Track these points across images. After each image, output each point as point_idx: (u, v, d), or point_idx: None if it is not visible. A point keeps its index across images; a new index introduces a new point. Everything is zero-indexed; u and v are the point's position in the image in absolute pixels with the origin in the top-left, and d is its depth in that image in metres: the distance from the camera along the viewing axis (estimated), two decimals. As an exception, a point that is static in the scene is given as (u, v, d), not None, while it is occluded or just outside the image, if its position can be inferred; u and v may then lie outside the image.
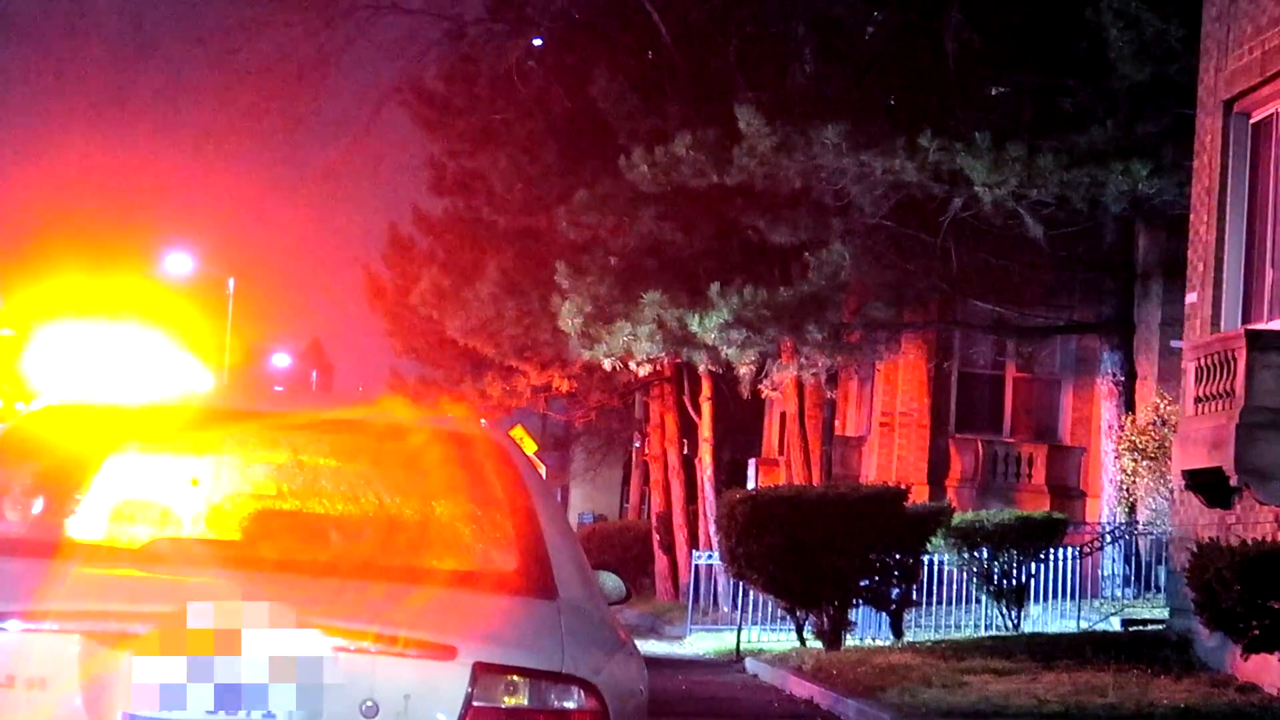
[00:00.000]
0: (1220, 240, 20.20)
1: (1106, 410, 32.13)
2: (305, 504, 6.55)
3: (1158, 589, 27.82)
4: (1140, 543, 29.71)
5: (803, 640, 25.41)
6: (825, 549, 23.90)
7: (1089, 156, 27.26)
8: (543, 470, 37.08)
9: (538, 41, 38.76)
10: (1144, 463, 28.38)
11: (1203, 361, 19.20)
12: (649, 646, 28.78)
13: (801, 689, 20.82)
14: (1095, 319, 33.90)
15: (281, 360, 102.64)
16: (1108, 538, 29.97)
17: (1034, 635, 24.50)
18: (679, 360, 35.92)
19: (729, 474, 42.50)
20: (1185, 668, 19.04)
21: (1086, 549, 28.97)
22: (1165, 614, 22.95)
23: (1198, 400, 19.29)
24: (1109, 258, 33.21)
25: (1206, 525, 19.19)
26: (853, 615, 25.58)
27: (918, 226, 31.43)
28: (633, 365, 33.52)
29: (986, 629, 26.97)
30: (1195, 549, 16.57)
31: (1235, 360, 18.27)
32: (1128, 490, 29.72)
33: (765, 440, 47.09)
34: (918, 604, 26.90)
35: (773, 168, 28.87)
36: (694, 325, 30.71)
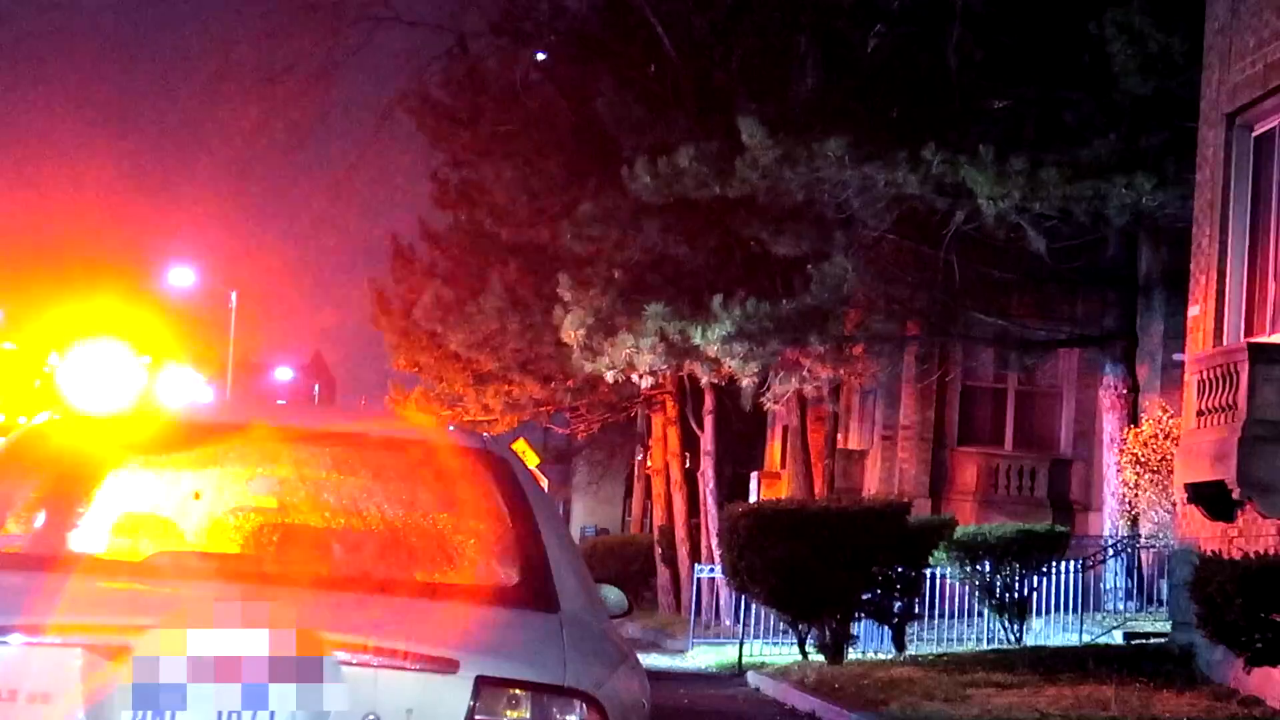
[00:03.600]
0: (1223, 253, 20.20)
1: (1109, 423, 32.11)
2: (307, 517, 6.56)
3: (1160, 602, 27.80)
4: (1142, 556, 29.68)
5: (805, 654, 25.39)
6: (827, 562, 23.88)
7: (1092, 170, 27.25)
8: (545, 484, 37.07)
9: (541, 56, 38.80)
10: (1146, 476, 28.34)
11: (1205, 375, 19.19)
12: (651, 660, 28.77)
13: (804, 703, 20.80)
14: (1097, 332, 33.88)
15: (284, 373, 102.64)
16: (1110, 551, 29.95)
17: (1036, 649, 24.48)
18: (681, 373, 35.93)
19: (731, 487, 42.49)
20: (1188, 681, 19.03)
21: (1089, 562, 28.94)
22: (1168, 627, 22.93)
23: (1200, 413, 19.29)
24: (1111, 271, 33.20)
25: (1209, 538, 19.18)
26: (855, 629, 25.56)
27: (920, 239, 31.43)
28: (635, 378, 33.51)
29: (989, 642, 26.96)
30: (1197, 562, 16.56)
31: (1238, 373, 18.27)
32: (1130, 503, 29.68)
33: (767, 453, 47.09)
34: (920, 617, 26.86)
35: (775, 180, 28.87)
36: (696, 337, 30.70)
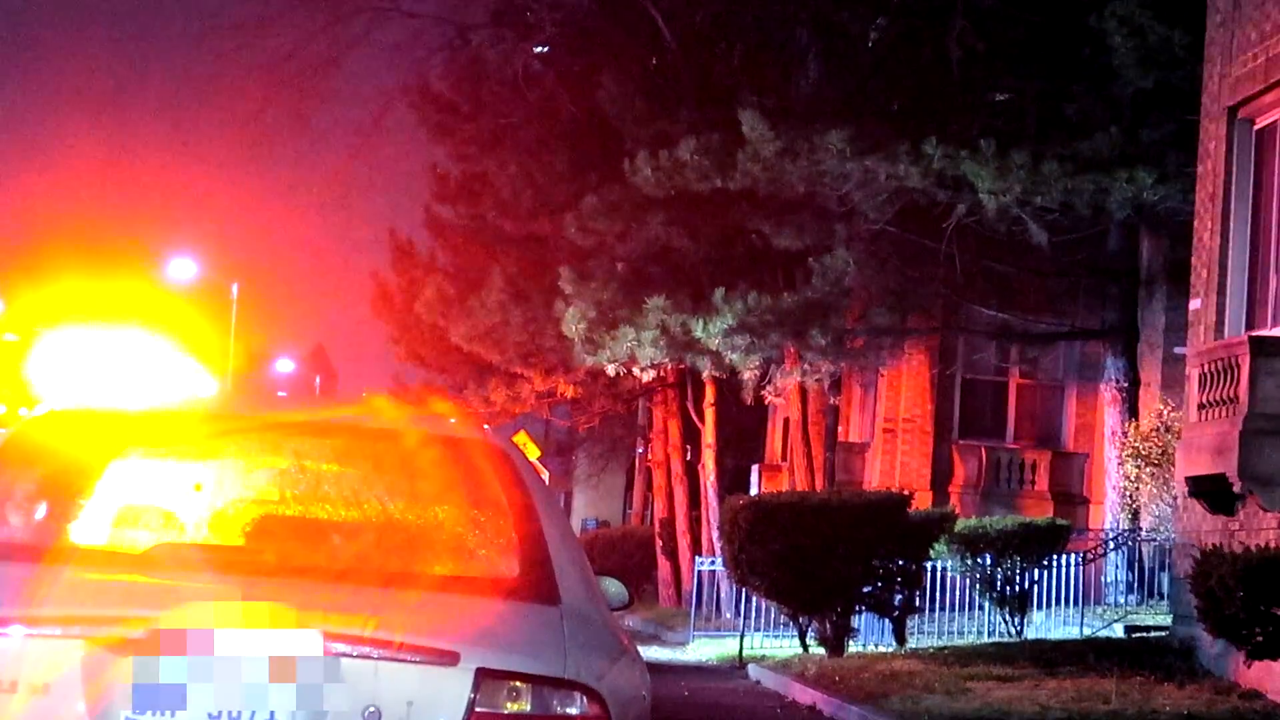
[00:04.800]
0: (1224, 246, 20.18)
1: (1110, 416, 32.11)
2: (308, 509, 6.55)
3: (1161, 596, 27.81)
4: (1143, 549, 29.69)
5: (805, 647, 25.40)
6: (828, 555, 23.88)
7: (1093, 163, 27.24)
8: (546, 476, 37.11)
9: (542, 48, 38.75)
10: (1147, 469, 28.36)
11: (1206, 368, 19.18)
12: (652, 652, 28.77)
13: (804, 695, 20.81)
14: (1099, 325, 33.88)
15: (285, 366, 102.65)
16: (1111, 544, 29.96)
17: (1037, 642, 24.49)
18: (683, 366, 35.92)
19: (732, 480, 42.48)
20: (1188, 675, 19.02)
21: (1090, 555, 28.96)
22: (1168, 621, 22.93)
23: (1201, 407, 19.28)
24: (1113, 264, 33.20)
25: (1210, 532, 19.17)
26: (855, 622, 25.56)
27: (921, 232, 31.42)
28: (636, 371, 33.51)
29: (989, 635, 26.96)
30: (1198, 555, 16.55)
31: (1239, 367, 18.26)
32: (1131, 497, 29.70)
33: (768, 446, 47.07)
34: (920, 610, 26.87)
35: (776, 172, 28.86)
36: (698, 331, 30.70)
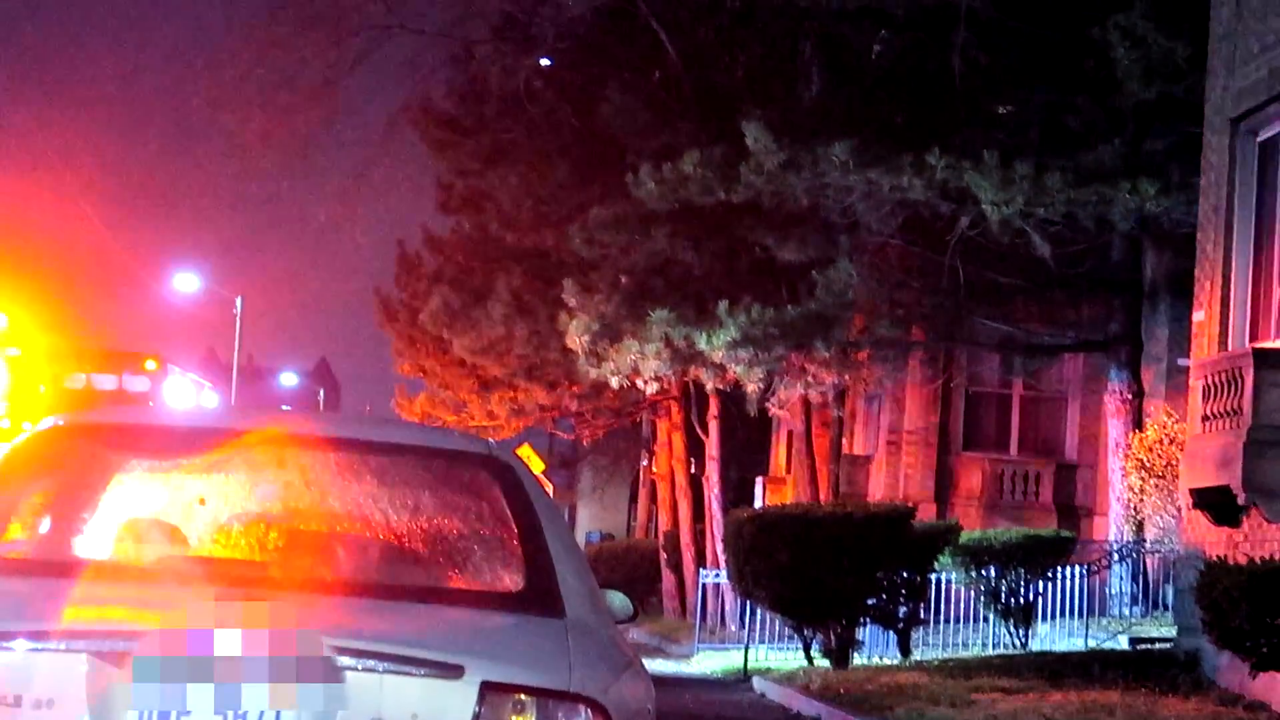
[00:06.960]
0: (1227, 258, 20.18)
1: (1114, 428, 32.10)
2: (313, 522, 6.56)
3: (1165, 607, 27.79)
4: (1148, 561, 29.67)
5: (810, 659, 25.38)
6: (832, 567, 23.87)
7: (1096, 175, 27.25)
8: (550, 489, 37.07)
9: (545, 62, 38.78)
10: (1151, 481, 28.33)
11: (1210, 379, 19.18)
12: (656, 665, 28.76)
13: (809, 708, 20.80)
14: (1102, 337, 33.86)
15: (289, 379, 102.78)
16: (1115, 556, 29.93)
17: (1041, 654, 24.48)
18: (686, 378, 35.93)
19: (736, 492, 42.50)
20: (1193, 686, 19.01)
21: (1094, 567, 28.94)
22: (1173, 632, 22.92)
23: (1205, 418, 19.27)
24: (1116, 276, 33.19)
25: (1214, 543, 19.16)
26: (860, 634, 25.54)
27: (925, 245, 31.42)
28: (640, 384, 33.50)
29: (994, 647, 26.95)
30: (1203, 567, 16.54)
31: (1243, 378, 18.26)
32: (1135, 508, 29.67)
33: (772, 459, 47.09)
34: (925, 622, 26.84)
35: (780, 185, 28.85)
36: (702, 343, 30.68)
